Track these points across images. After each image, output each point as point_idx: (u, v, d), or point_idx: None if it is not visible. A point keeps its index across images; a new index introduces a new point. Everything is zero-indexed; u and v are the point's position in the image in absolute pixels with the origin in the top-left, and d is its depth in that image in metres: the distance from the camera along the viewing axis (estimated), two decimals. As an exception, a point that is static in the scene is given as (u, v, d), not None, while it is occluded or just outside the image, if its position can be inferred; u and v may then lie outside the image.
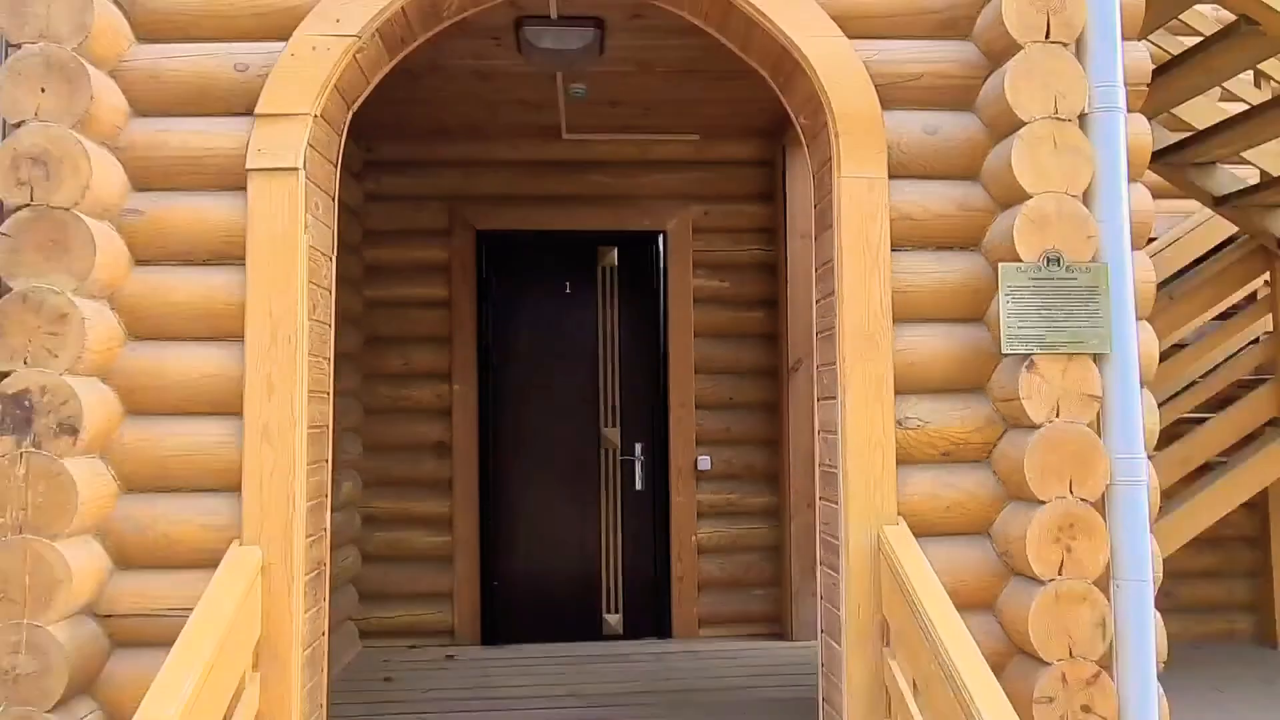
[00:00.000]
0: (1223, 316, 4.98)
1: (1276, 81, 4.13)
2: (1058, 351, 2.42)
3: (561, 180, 5.16)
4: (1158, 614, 2.49)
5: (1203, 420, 4.54)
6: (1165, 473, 4.36)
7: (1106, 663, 2.39)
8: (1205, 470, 4.44)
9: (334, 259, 2.77)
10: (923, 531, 2.50)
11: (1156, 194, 5.19)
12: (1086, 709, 2.34)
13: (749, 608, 5.04)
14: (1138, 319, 2.53)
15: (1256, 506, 5.22)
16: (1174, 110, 4.18)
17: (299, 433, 2.39)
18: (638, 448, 5.12)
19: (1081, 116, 2.49)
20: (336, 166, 2.75)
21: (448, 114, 4.79)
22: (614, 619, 5.04)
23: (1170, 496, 4.38)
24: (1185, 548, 5.33)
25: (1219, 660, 4.90)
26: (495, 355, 5.12)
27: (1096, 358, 2.44)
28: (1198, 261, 4.76)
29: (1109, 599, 2.40)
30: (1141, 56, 2.64)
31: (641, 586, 5.08)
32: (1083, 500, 2.38)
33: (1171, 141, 4.17)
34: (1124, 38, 2.58)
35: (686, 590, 5.03)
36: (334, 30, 2.46)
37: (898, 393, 2.53)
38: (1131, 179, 2.60)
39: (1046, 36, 2.47)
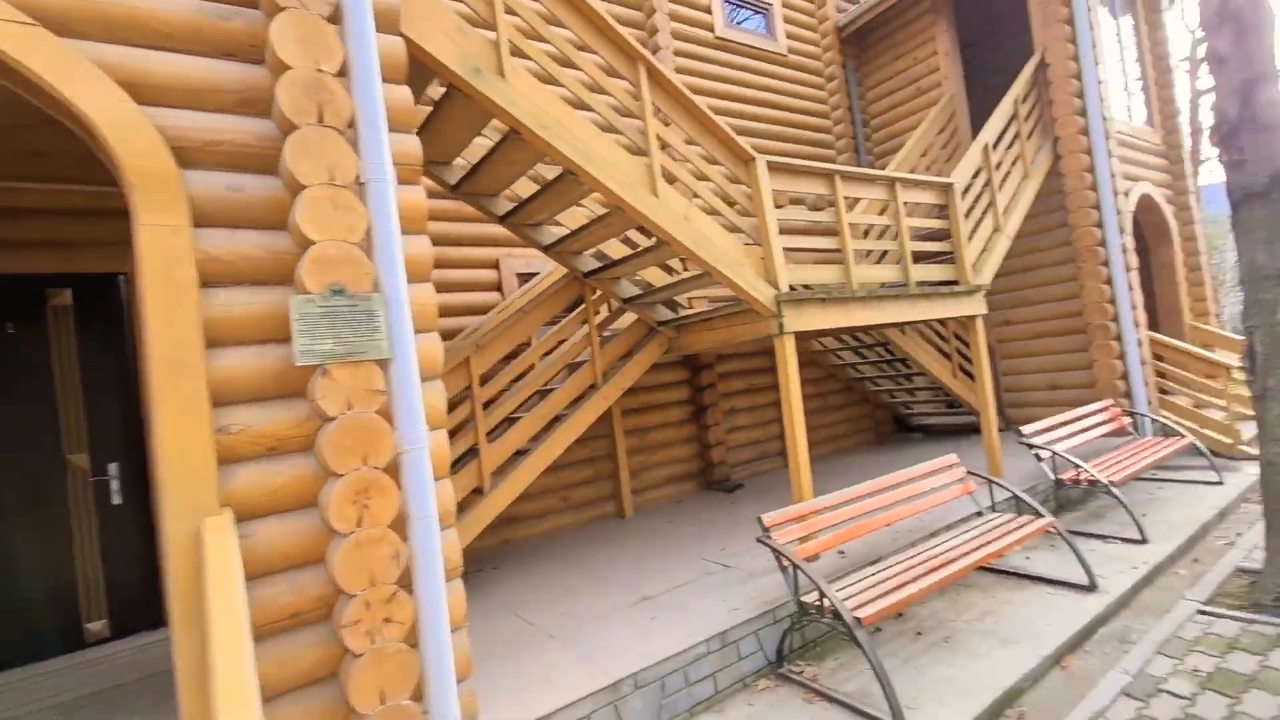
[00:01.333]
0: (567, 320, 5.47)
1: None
2: (346, 360, 2.22)
3: (-3, 225, 3.71)
4: (452, 533, 2.47)
5: (551, 390, 4.91)
6: (535, 422, 4.65)
7: (407, 580, 2.29)
8: (558, 419, 4.81)
9: None
10: (255, 514, 2.13)
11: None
12: (388, 620, 2.19)
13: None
14: (419, 332, 2.46)
15: (609, 436, 5.94)
16: (513, 187, 4.41)
17: None
18: (112, 467, 3.93)
19: (361, 184, 2.33)
20: None
21: None
22: (98, 625, 3.81)
23: (537, 438, 4.67)
24: (576, 467, 5.85)
25: (595, 532, 5.47)
26: (-83, 400, 3.50)
27: (381, 362, 2.31)
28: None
29: (406, 535, 2.30)
30: (413, 143, 2.55)
31: (129, 587, 3.91)
32: (375, 468, 2.22)
33: (511, 208, 4.39)
34: (395, 129, 2.48)
35: (179, 581, 4.02)
36: None
37: (218, 405, 2.10)
38: (413, 232, 2.52)
39: (320, 121, 2.24)
